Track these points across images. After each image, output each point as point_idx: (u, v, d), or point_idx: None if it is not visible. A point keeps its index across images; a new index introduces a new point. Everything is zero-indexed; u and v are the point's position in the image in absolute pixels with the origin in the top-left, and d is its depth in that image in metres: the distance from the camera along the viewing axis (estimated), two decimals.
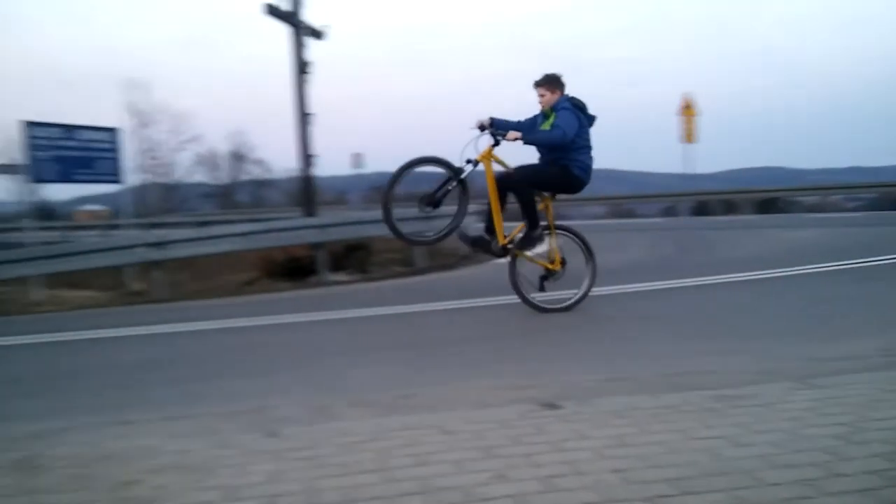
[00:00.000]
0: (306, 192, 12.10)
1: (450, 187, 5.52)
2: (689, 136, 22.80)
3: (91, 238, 20.41)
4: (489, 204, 5.67)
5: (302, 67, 11.53)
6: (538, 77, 5.66)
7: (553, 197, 5.83)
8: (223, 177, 48.69)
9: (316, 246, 10.34)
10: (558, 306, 5.71)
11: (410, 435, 2.73)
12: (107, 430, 3.12)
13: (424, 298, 6.88)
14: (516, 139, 5.41)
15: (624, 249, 11.34)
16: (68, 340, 6.23)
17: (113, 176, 13.23)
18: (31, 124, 12.00)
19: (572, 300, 5.76)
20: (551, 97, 5.60)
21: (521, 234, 5.71)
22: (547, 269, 5.78)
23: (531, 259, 5.80)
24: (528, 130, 5.56)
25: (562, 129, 5.33)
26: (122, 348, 5.75)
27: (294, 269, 10.39)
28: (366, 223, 10.35)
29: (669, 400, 3.03)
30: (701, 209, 22.94)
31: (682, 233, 14.07)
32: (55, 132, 12.25)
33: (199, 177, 47.56)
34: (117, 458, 2.68)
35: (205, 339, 5.88)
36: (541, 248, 5.80)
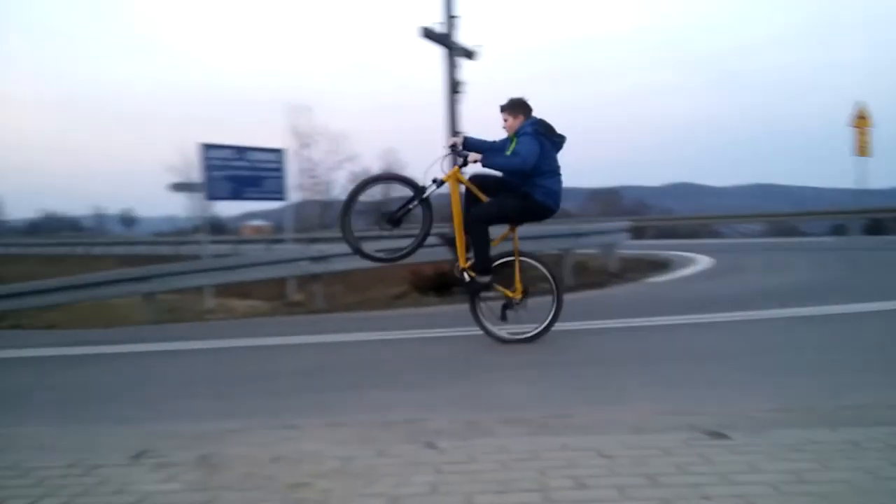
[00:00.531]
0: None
1: (412, 206, 5.48)
2: (862, 149, 20.96)
3: (257, 251, 21.95)
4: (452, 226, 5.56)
5: (454, 87, 11.82)
6: (503, 101, 5.51)
7: (518, 223, 5.67)
8: (376, 194, 51.00)
9: None
10: (519, 337, 5.52)
11: (568, 456, 2.68)
12: (275, 433, 3.30)
13: (572, 317, 6.75)
14: (476, 161, 5.30)
15: (788, 270, 10.62)
16: (236, 347, 6.70)
17: (278, 194, 14.09)
18: (207, 146, 12.96)
19: (534, 332, 5.53)
20: (514, 122, 5.46)
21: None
22: (507, 298, 5.58)
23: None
24: (491, 153, 5.43)
25: (521, 156, 5.21)
26: (285, 355, 6.10)
27: (442, 283, 10.58)
28: (508, 240, 10.34)
29: (851, 435, 2.79)
30: (876, 227, 20.96)
31: (855, 253, 12.93)
32: (228, 153, 13.19)
33: None
34: (287, 461, 2.84)
35: (360, 350, 6.11)
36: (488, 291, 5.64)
